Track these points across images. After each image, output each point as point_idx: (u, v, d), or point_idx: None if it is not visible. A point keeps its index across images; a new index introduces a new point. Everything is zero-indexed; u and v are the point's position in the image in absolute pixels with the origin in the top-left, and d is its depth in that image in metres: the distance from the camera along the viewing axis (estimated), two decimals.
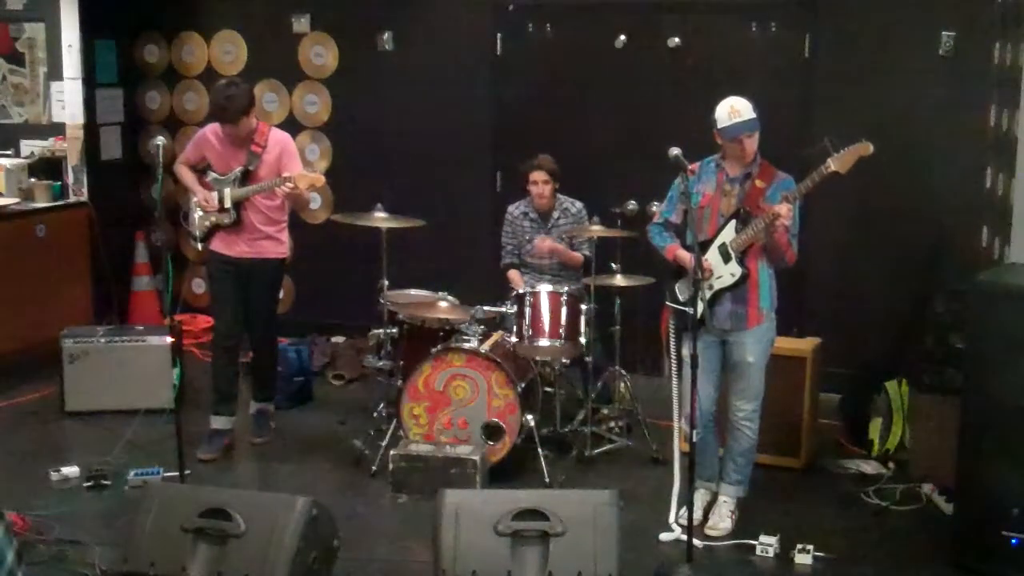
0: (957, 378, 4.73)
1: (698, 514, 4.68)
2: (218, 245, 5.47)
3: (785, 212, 4.29)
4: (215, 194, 5.37)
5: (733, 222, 4.48)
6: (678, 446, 4.76)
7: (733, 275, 4.47)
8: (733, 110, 4.43)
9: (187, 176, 5.51)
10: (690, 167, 4.54)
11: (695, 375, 4.36)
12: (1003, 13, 5.66)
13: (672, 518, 4.64)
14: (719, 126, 4.45)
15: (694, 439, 4.41)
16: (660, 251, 4.72)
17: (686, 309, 4.54)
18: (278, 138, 5.43)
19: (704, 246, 4.51)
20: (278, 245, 5.52)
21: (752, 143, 4.47)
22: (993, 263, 5.23)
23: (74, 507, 4.81)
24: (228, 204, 5.35)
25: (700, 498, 4.76)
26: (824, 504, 4.98)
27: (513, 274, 5.97)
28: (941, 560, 4.35)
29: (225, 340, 5.56)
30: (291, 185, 5.12)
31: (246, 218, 5.38)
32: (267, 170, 5.33)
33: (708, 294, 4.49)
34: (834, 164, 4.26)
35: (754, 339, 4.55)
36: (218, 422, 5.56)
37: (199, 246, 5.55)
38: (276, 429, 5.85)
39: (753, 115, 4.44)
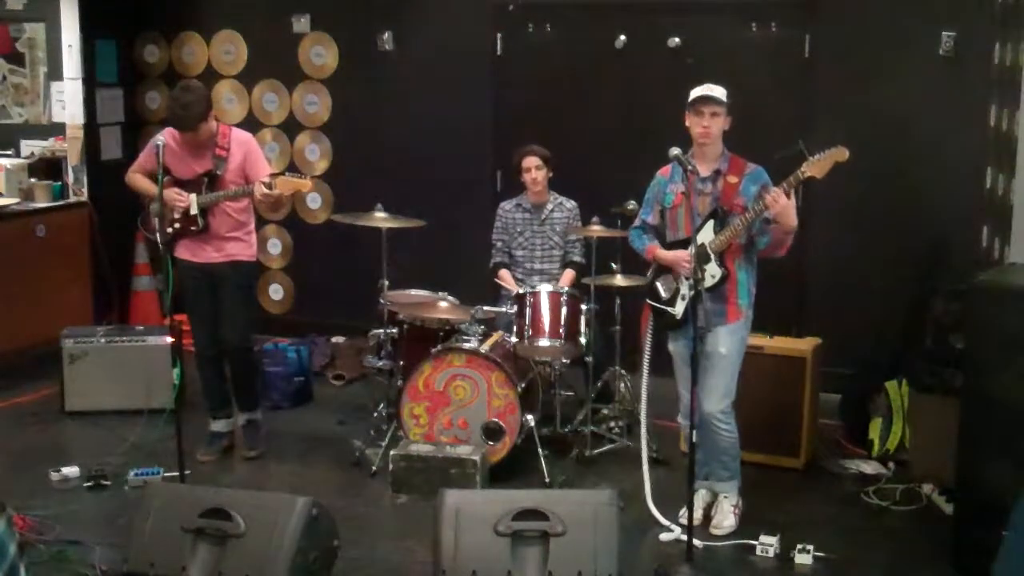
0: (957, 378, 4.73)
1: (698, 514, 4.68)
2: (184, 253, 5.32)
3: (771, 200, 4.25)
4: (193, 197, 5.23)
5: (711, 222, 4.49)
6: (645, 445, 4.82)
7: (714, 276, 4.48)
8: (708, 87, 4.50)
9: (142, 183, 5.35)
10: (663, 168, 4.57)
11: (695, 374, 4.38)
12: (1003, 13, 5.65)
13: (656, 514, 4.64)
14: (689, 99, 4.50)
15: (694, 439, 4.41)
16: (640, 253, 4.75)
17: (667, 308, 4.57)
18: (241, 139, 5.29)
19: (682, 245, 4.53)
20: (246, 247, 5.39)
21: (713, 123, 4.47)
22: (993, 263, 5.22)
23: (74, 507, 4.82)
24: (195, 211, 5.20)
25: (701, 498, 4.76)
26: (824, 504, 4.98)
27: (504, 274, 5.96)
28: (941, 560, 4.35)
29: (207, 351, 5.44)
30: (269, 192, 4.97)
31: (213, 224, 5.25)
32: (233, 174, 5.20)
33: (689, 294, 4.50)
34: (810, 169, 4.25)
35: (728, 331, 4.54)
36: (217, 425, 5.55)
37: (161, 248, 5.27)
38: (277, 430, 5.85)
39: (725, 99, 4.47)
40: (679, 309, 4.57)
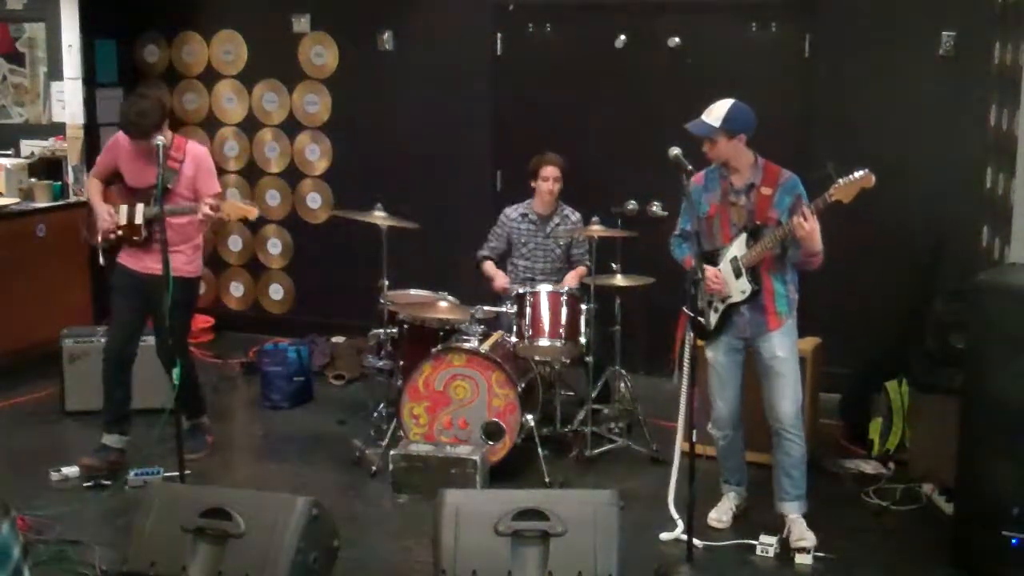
0: (957, 378, 4.73)
1: (727, 517, 4.71)
2: (125, 259, 5.21)
3: (797, 224, 4.21)
4: (124, 208, 5.11)
5: (744, 236, 4.44)
6: (679, 449, 4.74)
7: (743, 292, 4.45)
8: (707, 110, 4.43)
9: (94, 194, 5.22)
10: (696, 175, 4.51)
11: (693, 378, 4.39)
12: (1003, 13, 5.66)
13: (675, 516, 4.64)
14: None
15: (693, 438, 4.41)
16: (680, 262, 4.70)
17: (700, 318, 4.54)
18: (195, 153, 5.13)
19: (718, 255, 4.51)
20: (188, 262, 5.17)
21: (711, 151, 4.43)
22: (993, 263, 5.22)
23: (74, 507, 4.82)
24: (140, 221, 5.08)
25: (729, 502, 4.78)
26: (824, 504, 4.97)
27: (488, 266, 5.96)
28: (941, 560, 4.35)
29: (119, 356, 5.24)
30: (216, 214, 4.85)
31: (156, 235, 5.01)
32: (185, 186, 5.06)
33: (721, 307, 4.51)
34: (837, 194, 4.19)
35: (779, 335, 4.49)
36: (110, 439, 5.24)
37: (101, 259, 5.24)
38: (277, 430, 5.88)
39: (712, 121, 4.37)
40: (711, 320, 4.55)
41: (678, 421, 4.78)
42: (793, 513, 4.55)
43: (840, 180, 4.16)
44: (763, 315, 4.49)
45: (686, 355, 4.63)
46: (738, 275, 4.45)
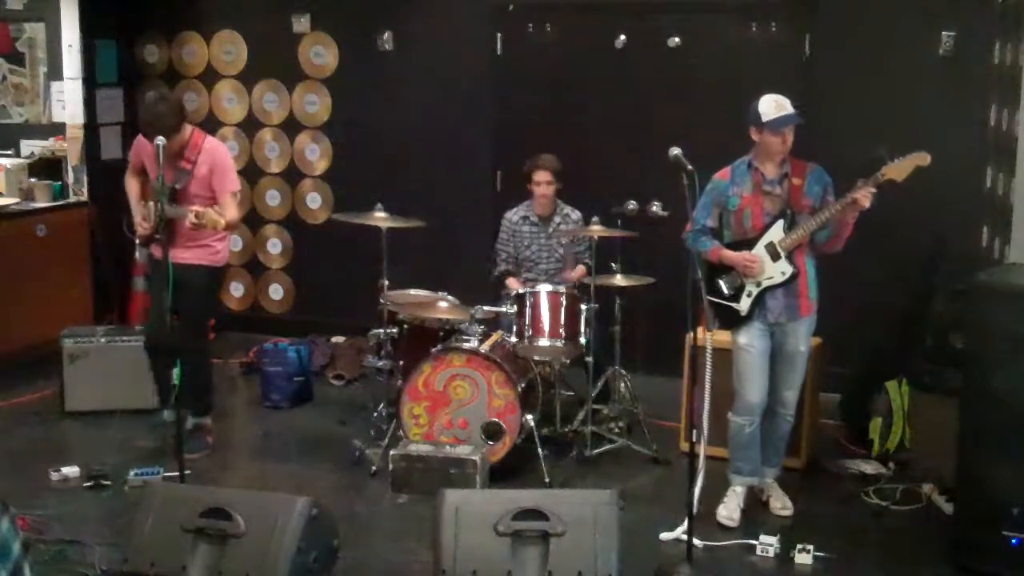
0: (957, 378, 4.73)
1: (737, 515, 4.73)
2: (156, 251, 5.31)
3: (863, 196, 4.35)
4: (151, 204, 5.31)
5: (780, 222, 4.58)
6: (703, 452, 4.70)
7: (784, 273, 4.59)
8: (779, 104, 4.53)
9: (131, 192, 5.49)
10: (721, 171, 4.60)
11: (696, 374, 4.39)
12: (1003, 13, 5.66)
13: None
14: (765, 120, 4.51)
15: (694, 438, 4.41)
16: (703, 255, 4.70)
17: (732, 304, 4.64)
18: (210, 151, 5.22)
19: (749, 244, 4.62)
20: (212, 253, 5.37)
21: (791, 136, 4.57)
22: (993, 263, 5.22)
23: (74, 507, 4.81)
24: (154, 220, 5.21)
25: (737, 498, 4.80)
26: (824, 504, 4.99)
27: (512, 281, 5.95)
28: (941, 560, 4.35)
29: (154, 341, 5.36)
30: (196, 221, 4.85)
31: (176, 231, 5.16)
32: (198, 186, 5.16)
33: (756, 291, 4.63)
34: (890, 172, 4.29)
35: (806, 329, 4.71)
36: (170, 416, 5.37)
37: (137, 254, 5.42)
38: (277, 430, 5.87)
39: (794, 109, 4.54)
40: (744, 306, 4.66)
41: (704, 412, 4.77)
42: (771, 478, 4.93)
43: (894, 160, 4.23)
44: (797, 299, 4.64)
45: (708, 347, 4.68)
46: (776, 258, 4.59)
